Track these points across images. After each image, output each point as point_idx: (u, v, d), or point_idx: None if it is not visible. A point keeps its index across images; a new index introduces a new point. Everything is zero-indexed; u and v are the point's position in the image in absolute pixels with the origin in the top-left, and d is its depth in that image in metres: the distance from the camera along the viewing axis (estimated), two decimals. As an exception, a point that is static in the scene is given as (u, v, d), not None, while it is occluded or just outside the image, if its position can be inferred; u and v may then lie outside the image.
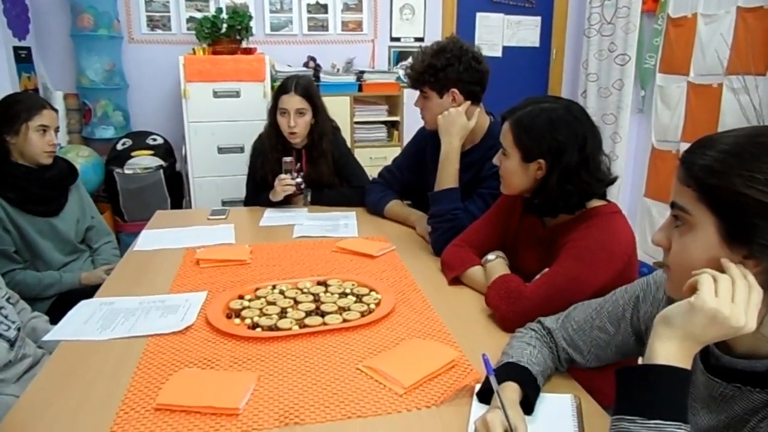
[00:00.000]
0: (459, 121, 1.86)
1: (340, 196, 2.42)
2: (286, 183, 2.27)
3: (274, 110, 2.35)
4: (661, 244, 0.85)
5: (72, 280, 2.06)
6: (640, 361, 0.97)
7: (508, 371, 1.05)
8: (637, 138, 4.14)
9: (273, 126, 2.37)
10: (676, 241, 0.82)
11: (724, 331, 0.73)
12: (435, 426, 1.01)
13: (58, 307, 1.87)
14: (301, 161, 2.42)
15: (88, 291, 1.64)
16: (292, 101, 2.28)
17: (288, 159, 2.28)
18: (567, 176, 1.35)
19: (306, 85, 2.33)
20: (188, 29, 3.65)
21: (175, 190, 3.55)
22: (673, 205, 0.82)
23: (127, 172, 3.37)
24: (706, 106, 3.39)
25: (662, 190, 3.76)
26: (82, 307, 1.46)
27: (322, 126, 2.37)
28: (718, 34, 3.27)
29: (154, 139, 3.54)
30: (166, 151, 3.54)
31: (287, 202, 2.39)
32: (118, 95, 3.60)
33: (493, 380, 0.95)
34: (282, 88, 2.34)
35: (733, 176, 0.73)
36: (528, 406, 1.02)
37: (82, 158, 3.26)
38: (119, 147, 3.44)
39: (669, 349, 0.75)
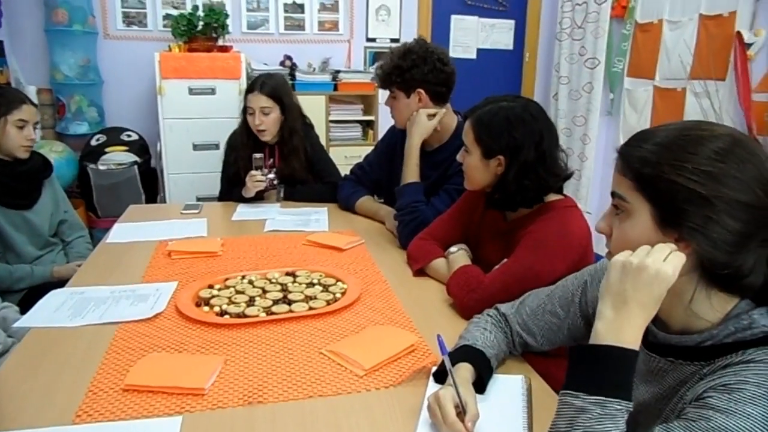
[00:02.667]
0: (420, 120, 1.95)
1: (313, 192, 2.46)
2: (256, 179, 2.31)
3: (244, 108, 2.40)
4: (603, 232, 0.93)
5: (44, 274, 2.07)
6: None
7: (463, 353, 1.11)
8: (606, 139, 4.24)
9: (245, 123, 2.42)
10: (617, 228, 0.89)
11: (642, 282, 0.77)
12: (392, 404, 1.06)
13: (29, 299, 1.86)
14: (274, 157, 2.46)
15: (60, 284, 1.64)
16: (258, 100, 2.33)
17: (258, 155, 2.32)
18: (524, 172, 1.41)
19: (274, 85, 2.37)
20: (164, 26, 3.66)
21: (150, 186, 3.55)
22: (612, 195, 0.89)
23: (101, 168, 3.36)
24: (670, 109, 3.50)
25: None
26: (53, 296, 1.48)
27: (292, 124, 2.41)
28: (682, 40, 3.39)
29: (129, 135, 3.53)
30: (141, 148, 3.53)
31: (260, 197, 2.43)
32: (93, 91, 3.59)
33: (446, 359, 1.00)
34: (249, 87, 2.40)
35: (665, 166, 0.80)
36: (481, 386, 1.08)
37: (56, 153, 3.24)
38: (93, 143, 3.42)
39: (605, 322, 0.79)
